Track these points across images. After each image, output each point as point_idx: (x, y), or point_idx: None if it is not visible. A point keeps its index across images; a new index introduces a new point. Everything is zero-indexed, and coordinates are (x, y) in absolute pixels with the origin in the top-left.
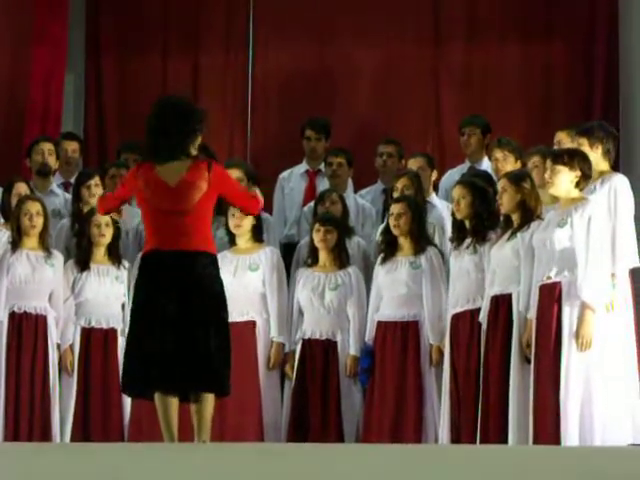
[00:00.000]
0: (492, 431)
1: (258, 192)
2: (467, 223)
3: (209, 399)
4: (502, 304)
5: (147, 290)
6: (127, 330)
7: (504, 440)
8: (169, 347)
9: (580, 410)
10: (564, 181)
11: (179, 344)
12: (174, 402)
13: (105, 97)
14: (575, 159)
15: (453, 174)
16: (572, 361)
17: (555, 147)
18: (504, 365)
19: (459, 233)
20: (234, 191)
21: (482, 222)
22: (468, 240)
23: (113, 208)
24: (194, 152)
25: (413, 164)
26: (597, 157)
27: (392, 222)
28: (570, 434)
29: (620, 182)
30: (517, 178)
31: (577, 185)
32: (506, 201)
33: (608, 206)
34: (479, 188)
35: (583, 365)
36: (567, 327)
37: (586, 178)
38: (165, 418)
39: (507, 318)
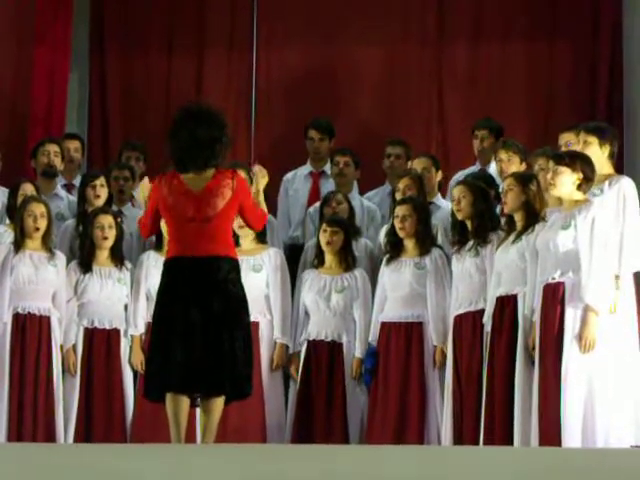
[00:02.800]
0: (497, 432)
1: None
2: (469, 224)
3: (219, 402)
4: (507, 305)
5: (170, 295)
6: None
7: (509, 441)
8: (193, 351)
9: (583, 411)
10: (566, 183)
11: (203, 348)
12: (185, 403)
13: (109, 96)
14: (577, 161)
15: (463, 175)
16: (573, 362)
17: (562, 148)
18: (509, 366)
19: (460, 236)
20: (249, 206)
21: (484, 223)
22: (470, 242)
23: (154, 228)
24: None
25: (418, 165)
26: (603, 158)
27: (398, 224)
28: (572, 435)
29: (628, 185)
30: (524, 179)
31: (579, 187)
32: (510, 200)
33: (617, 209)
34: (480, 188)
35: (585, 366)
36: (570, 329)
37: (588, 181)
38: (175, 419)
39: (512, 319)
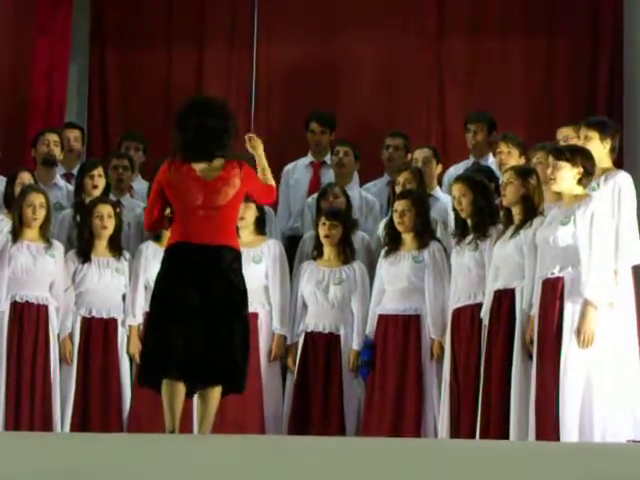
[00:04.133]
0: (493, 426)
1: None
2: (469, 220)
3: (216, 392)
4: (505, 299)
5: (171, 281)
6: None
7: (505, 435)
8: (191, 338)
9: (580, 406)
10: (566, 177)
11: (202, 336)
12: (181, 391)
13: (109, 89)
14: (577, 155)
15: (457, 169)
16: (572, 357)
17: (560, 143)
18: (506, 360)
19: (461, 229)
20: (258, 188)
21: (484, 218)
22: (470, 237)
23: (158, 220)
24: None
25: (419, 154)
26: (604, 153)
27: (396, 219)
28: (569, 430)
29: (624, 179)
30: (524, 172)
31: (579, 182)
32: (510, 193)
33: (612, 203)
34: (479, 183)
35: (583, 361)
36: (569, 323)
37: (588, 175)
38: (170, 406)
39: (510, 313)
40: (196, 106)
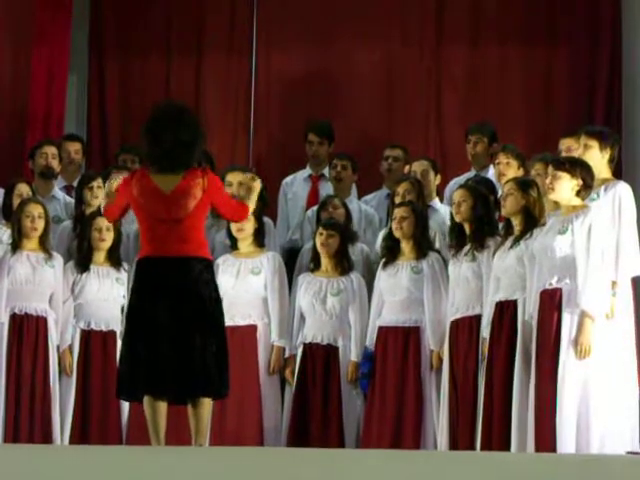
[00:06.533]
0: (495, 438)
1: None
2: (467, 228)
3: (206, 403)
4: (507, 310)
5: (143, 296)
6: (123, 336)
7: (507, 447)
8: (165, 353)
9: (577, 417)
10: (565, 188)
11: (175, 349)
12: (163, 406)
13: (108, 99)
14: (577, 168)
15: (459, 182)
16: (569, 368)
17: (563, 154)
18: (508, 372)
19: (457, 239)
20: (223, 201)
21: (482, 227)
22: (467, 247)
23: (117, 216)
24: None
25: (417, 167)
26: (602, 163)
27: (395, 225)
28: (567, 441)
29: (624, 190)
30: (525, 184)
31: (577, 194)
32: (509, 204)
33: (612, 214)
34: (481, 193)
35: (581, 372)
36: (566, 334)
37: (587, 188)
38: (153, 422)
39: (512, 325)
40: (168, 116)
